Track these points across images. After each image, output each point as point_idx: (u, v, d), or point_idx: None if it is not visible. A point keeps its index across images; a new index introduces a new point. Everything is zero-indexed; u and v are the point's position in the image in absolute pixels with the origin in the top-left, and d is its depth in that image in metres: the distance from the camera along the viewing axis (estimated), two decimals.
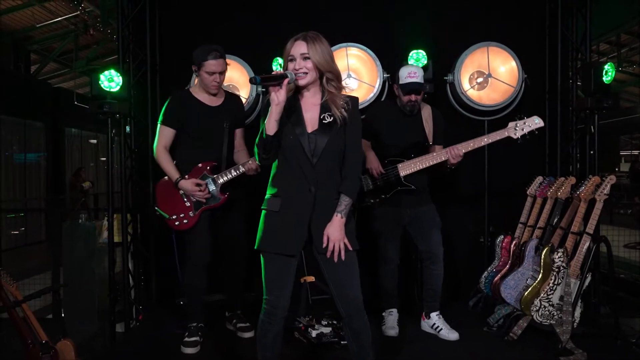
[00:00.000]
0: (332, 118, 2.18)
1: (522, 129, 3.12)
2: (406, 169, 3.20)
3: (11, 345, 3.19)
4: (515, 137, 3.14)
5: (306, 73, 2.14)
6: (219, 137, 3.08)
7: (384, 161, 3.23)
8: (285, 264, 2.21)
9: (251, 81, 2.10)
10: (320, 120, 2.19)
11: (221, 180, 3.04)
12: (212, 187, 3.04)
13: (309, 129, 2.18)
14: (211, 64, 2.98)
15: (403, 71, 3.23)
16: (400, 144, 3.25)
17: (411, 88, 3.18)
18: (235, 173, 3.01)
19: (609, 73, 3.63)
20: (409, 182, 3.19)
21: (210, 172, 3.06)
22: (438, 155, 3.17)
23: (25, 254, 8.73)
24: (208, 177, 3.05)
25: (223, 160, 3.08)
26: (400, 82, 3.22)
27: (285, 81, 2.08)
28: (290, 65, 2.15)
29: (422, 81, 3.24)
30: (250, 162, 3.01)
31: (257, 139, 2.17)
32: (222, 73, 3.05)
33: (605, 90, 3.65)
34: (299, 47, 2.14)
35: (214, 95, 3.13)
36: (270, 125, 2.11)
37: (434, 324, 3.32)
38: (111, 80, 3.63)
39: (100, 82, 3.61)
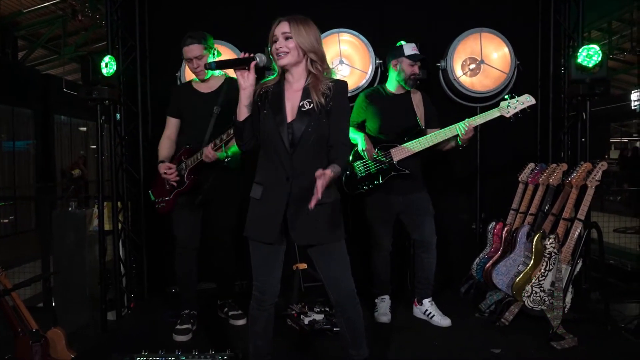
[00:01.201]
0: (311, 105, 2.12)
1: (515, 107, 3.11)
2: (399, 154, 3.19)
3: (1, 334, 3.17)
4: (507, 115, 3.13)
5: (287, 52, 2.09)
6: (206, 123, 3.06)
7: (376, 147, 3.21)
8: (270, 250, 2.20)
9: (205, 67, 2.06)
10: (299, 107, 2.13)
11: (190, 164, 3.04)
12: (182, 172, 3.06)
13: (289, 118, 2.14)
14: (185, 51, 3.03)
15: (406, 46, 3.25)
16: (392, 130, 3.24)
17: (419, 57, 3.22)
18: (196, 159, 3.00)
19: (593, 56, 3.55)
20: (403, 167, 3.19)
21: (186, 157, 3.07)
22: (433, 138, 3.16)
23: (15, 243, 8.66)
24: (183, 162, 3.07)
25: (205, 145, 3.03)
26: (407, 53, 3.22)
27: (253, 64, 2.05)
28: (274, 47, 2.11)
29: None
30: (208, 147, 2.92)
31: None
32: (199, 58, 3.02)
33: (596, 75, 3.60)
34: (281, 27, 2.11)
35: (204, 81, 3.12)
36: (240, 111, 2.10)
37: (426, 310, 3.34)
38: (107, 66, 3.60)
39: (102, 67, 3.58)
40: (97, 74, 3.61)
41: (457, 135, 3.13)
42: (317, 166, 2.07)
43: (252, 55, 2.08)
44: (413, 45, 3.26)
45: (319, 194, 1.93)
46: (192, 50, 2.99)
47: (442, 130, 3.18)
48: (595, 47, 3.60)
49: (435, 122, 3.31)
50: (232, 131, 2.66)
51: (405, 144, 3.19)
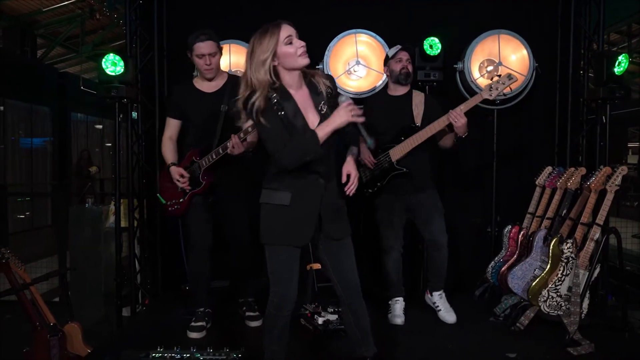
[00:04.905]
0: (326, 106, 2.19)
1: (497, 89, 3.04)
2: (397, 153, 3.20)
3: (19, 328, 3.21)
4: (491, 97, 3.07)
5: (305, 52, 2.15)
6: (213, 122, 3.06)
7: (378, 150, 3.22)
8: (293, 254, 2.22)
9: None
10: (319, 112, 2.20)
11: (204, 165, 3.03)
12: (197, 172, 3.06)
13: (313, 123, 2.18)
14: (199, 47, 3.00)
15: (390, 50, 3.34)
16: (391, 131, 3.26)
17: (398, 49, 3.24)
18: (215, 156, 2.98)
19: (622, 64, 3.57)
20: (402, 166, 3.20)
21: (197, 158, 3.07)
22: (428, 130, 3.13)
23: (32, 238, 8.78)
24: (195, 163, 3.07)
25: (216, 144, 3.03)
26: (390, 56, 3.29)
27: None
28: (291, 49, 2.10)
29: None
30: (231, 140, 2.85)
31: (281, 141, 2.10)
32: (213, 55, 3.02)
33: (616, 81, 3.60)
34: (290, 28, 2.13)
35: (210, 80, 3.12)
36: (326, 137, 2.11)
37: (435, 302, 3.40)
38: (115, 65, 3.62)
39: (105, 68, 3.60)
40: (105, 75, 3.63)
41: (452, 127, 3.06)
42: (333, 162, 2.27)
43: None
44: (396, 46, 3.31)
45: (355, 181, 2.20)
46: (208, 46, 2.99)
47: (432, 124, 3.13)
48: (624, 53, 3.63)
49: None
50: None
51: (401, 143, 3.19)
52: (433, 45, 3.78)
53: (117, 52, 3.66)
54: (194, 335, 3.11)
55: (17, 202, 9.52)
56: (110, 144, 14.14)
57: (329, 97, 2.22)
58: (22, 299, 2.79)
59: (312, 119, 2.19)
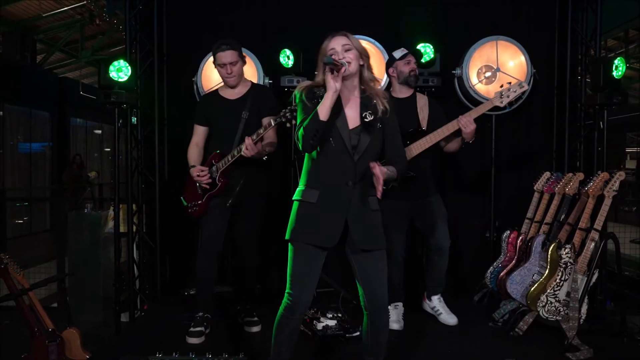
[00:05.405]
0: (372, 117, 2.19)
1: (508, 96, 3.06)
2: None
3: (18, 333, 3.21)
4: (502, 105, 3.09)
5: (350, 62, 2.16)
6: (235, 128, 3.12)
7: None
8: (315, 256, 2.20)
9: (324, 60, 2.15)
10: (362, 118, 2.20)
11: (221, 167, 3.08)
12: (214, 175, 3.11)
13: (350, 125, 2.20)
14: (220, 57, 3.06)
15: (396, 52, 3.33)
16: None
17: (408, 53, 3.27)
18: (231, 158, 3.04)
19: (619, 68, 3.60)
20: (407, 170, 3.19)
21: (217, 161, 3.12)
22: (436, 134, 3.14)
23: (30, 243, 8.77)
24: (214, 166, 3.13)
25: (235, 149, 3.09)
26: (398, 57, 3.29)
27: (342, 69, 2.12)
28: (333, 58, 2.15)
29: None
30: (245, 142, 2.93)
31: (300, 126, 2.15)
32: (234, 64, 3.08)
33: (614, 85, 3.62)
34: (339, 40, 2.19)
35: (233, 87, 3.17)
36: (324, 111, 2.11)
37: (435, 306, 3.40)
38: (120, 70, 3.63)
39: (109, 72, 3.61)
40: (108, 79, 3.65)
41: (459, 132, 3.09)
42: (371, 176, 2.18)
43: (342, 61, 2.16)
44: (401, 48, 3.34)
45: (381, 182, 2.06)
46: (229, 55, 3.04)
47: (440, 129, 3.15)
48: (620, 57, 3.66)
49: (443, 123, 3.25)
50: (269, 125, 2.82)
51: (406, 147, 3.18)
52: (425, 52, 3.81)
53: (126, 59, 3.67)
54: (193, 340, 3.10)
55: (15, 206, 9.51)
56: (109, 149, 14.16)
57: (383, 114, 2.23)
58: (21, 304, 2.78)
59: (351, 117, 2.20)
